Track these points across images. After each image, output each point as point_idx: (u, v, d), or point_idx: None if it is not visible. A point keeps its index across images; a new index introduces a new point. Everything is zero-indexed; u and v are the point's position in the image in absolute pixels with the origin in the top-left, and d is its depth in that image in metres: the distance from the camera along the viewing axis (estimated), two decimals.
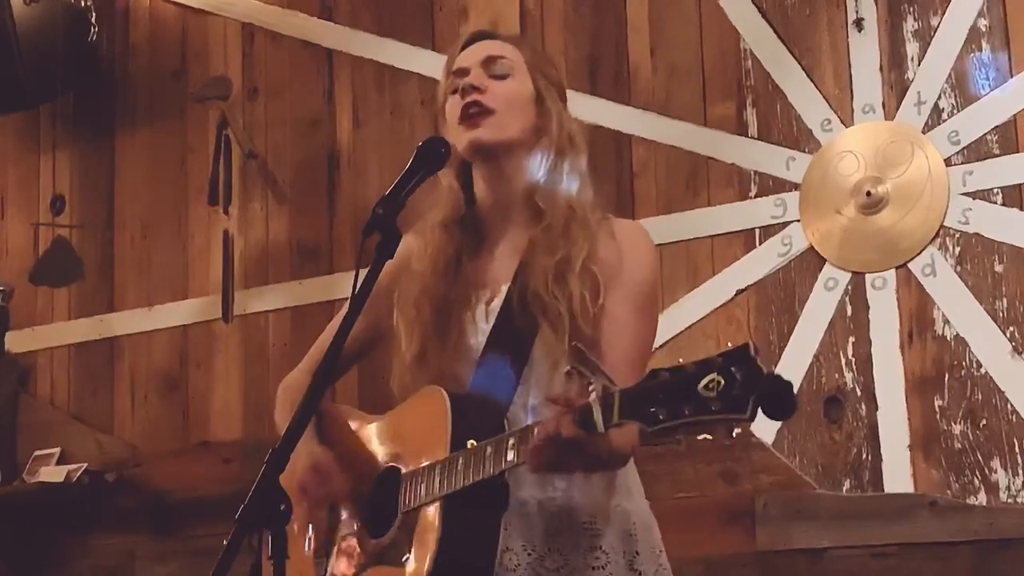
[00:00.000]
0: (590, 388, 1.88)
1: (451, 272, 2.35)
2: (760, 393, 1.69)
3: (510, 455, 2.01)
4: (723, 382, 1.71)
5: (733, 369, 1.71)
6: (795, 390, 1.73)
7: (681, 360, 1.78)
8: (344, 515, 2.33)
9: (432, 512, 2.12)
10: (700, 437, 1.77)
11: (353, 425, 2.43)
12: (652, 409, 1.77)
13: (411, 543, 2.14)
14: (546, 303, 2.20)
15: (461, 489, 2.07)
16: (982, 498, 3.55)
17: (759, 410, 1.70)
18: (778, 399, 1.71)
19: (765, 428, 3.79)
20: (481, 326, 2.29)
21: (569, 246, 2.24)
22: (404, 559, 2.14)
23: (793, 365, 3.78)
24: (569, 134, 2.36)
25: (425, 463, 2.16)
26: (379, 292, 2.30)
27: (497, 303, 2.29)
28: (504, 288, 2.30)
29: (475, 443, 2.08)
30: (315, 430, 2.37)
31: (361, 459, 2.35)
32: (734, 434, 1.75)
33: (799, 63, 3.95)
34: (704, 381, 1.72)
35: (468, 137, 2.32)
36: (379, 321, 2.38)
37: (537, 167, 2.33)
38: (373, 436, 2.36)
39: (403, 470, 2.23)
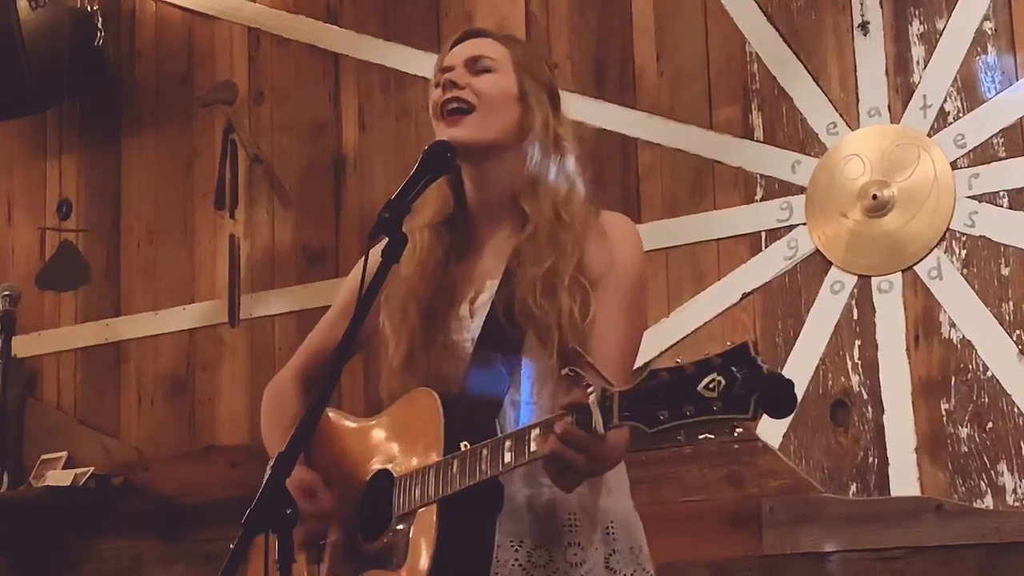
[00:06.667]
0: (588, 390, 1.88)
1: (439, 274, 2.34)
2: (762, 392, 1.70)
3: (507, 457, 2.00)
4: (724, 382, 1.71)
5: (734, 368, 1.71)
6: (796, 388, 1.72)
7: (679, 360, 1.78)
8: (335, 520, 2.33)
9: (427, 515, 2.11)
10: (701, 436, 1.78)
11: (342, 429, 2.42)
12: (652, 409, 1.77)
13: (407, 546, 2.14)
14: (534, 315, 2.18)
15: (458, 492, 2.06)
16: (988, 502, 3.54)
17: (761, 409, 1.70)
18: (779, 397, 1.71)
19: (771, 432, 3.79)
20: (466, 323, 2.29)
21: (556, 255, 2.22)
22: (400, 562, 2.14)
23: (799, 368, 3.78)
24: (555, 135, 2.33)
25: (418, 465, 2.16)
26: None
27: (483, 300, 2.28)
28: (490, 284, 2.28)
29: (468, 445, 2.07)
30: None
31: (351, 464, 2.34)
32: (736, 433, 1.74)
33: (805, 66, 3.95)
34: (704, 381, 1.73)
35: (446, 136, 2.29)
36: (366, 322, 2.37)
37: (521, 168, 2.30)
38: (363, 439, 2.35)
39: (395, 473, 2.22)
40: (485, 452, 2.03)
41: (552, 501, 2.17)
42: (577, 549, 2.17)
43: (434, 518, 2.09)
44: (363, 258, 2.12)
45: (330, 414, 2.45)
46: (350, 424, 2.42)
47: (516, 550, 2.16)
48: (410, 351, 2.30)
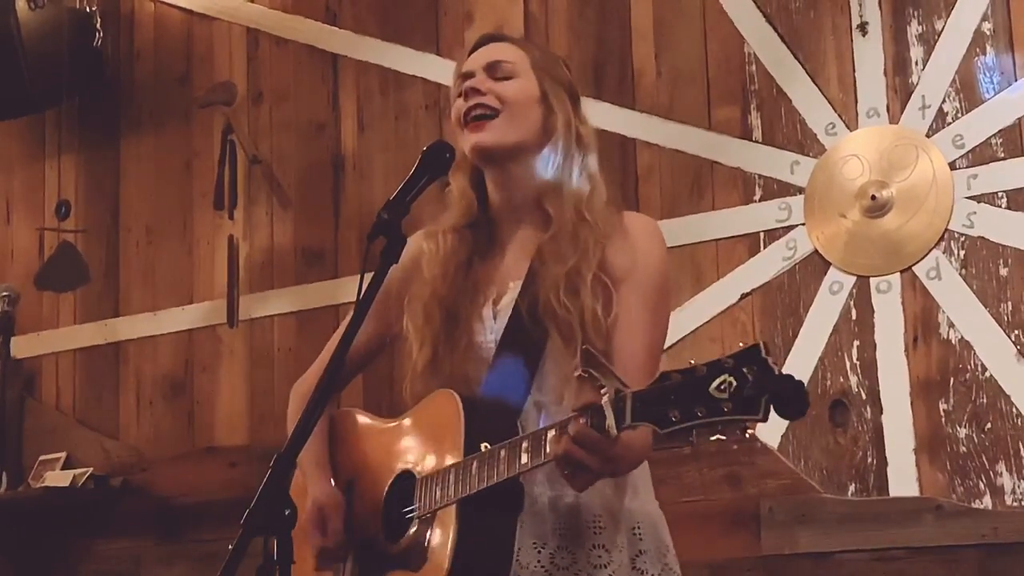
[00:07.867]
0: (602, 391, 1.88)
1: (461, 276, 2.35)
2: (772, 393, 1.70)
3: (524, 458, 2.02)
4: (735, 383, 1.72)
5: (745, 370, 1.72)
6: (806, 388, 1.73)
7: (692, 361, 1.79)
8: (359, 521, 2.33)
9: (447, 515, 2.12)
10: (713, 438, 1.78)
11: (365, 429, 2.44)
12: (664, 411, 1.78)
13: (427, 547, 2.15)
14: (557, 314, 2.19)
15: (476, 492, 2.07)
16: (987, 502, 3.54)
17: (771, 409, 1.71)
18: (790, 398, 1.72)
19: (770, 432, 3.79)
20: (489, 324, 2.30)
21: (579, 255, 2.23)
22: (420, 563, 2.14)
23: (798, 369, 3.77)
24: (578, 134, 2.35)
25: (439, 467, 2.17)
26: (390, 296, 2.31)
27: (506, 301, 2.29)
28: (512, 285, 2.29)
29: (488, 446, 2.09)
30: (328, 450, 2.40)
31: (374, 465, 2.35)
32: (747, 434, 1.75)
33: (803, 67, 3.95)
34: (716, 382, 1.73)
35: (471, 141, 2.31)
36: (389, 325, 2.39)
37: (544, 169, 2.32)
38: (386, 440, 2.36)
39: (417, 474, 2.23)
40: (503, 453, 2.04)
41: (576, 503, 2.18)
42: (601, 551, 2.18)
43: (453, 520, 2.10)
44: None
45: (354, 414, 2.48)
46: (374, 425, 2.43)
47: (539, 552, 2.17)
48: (434, 354, 2.31)
